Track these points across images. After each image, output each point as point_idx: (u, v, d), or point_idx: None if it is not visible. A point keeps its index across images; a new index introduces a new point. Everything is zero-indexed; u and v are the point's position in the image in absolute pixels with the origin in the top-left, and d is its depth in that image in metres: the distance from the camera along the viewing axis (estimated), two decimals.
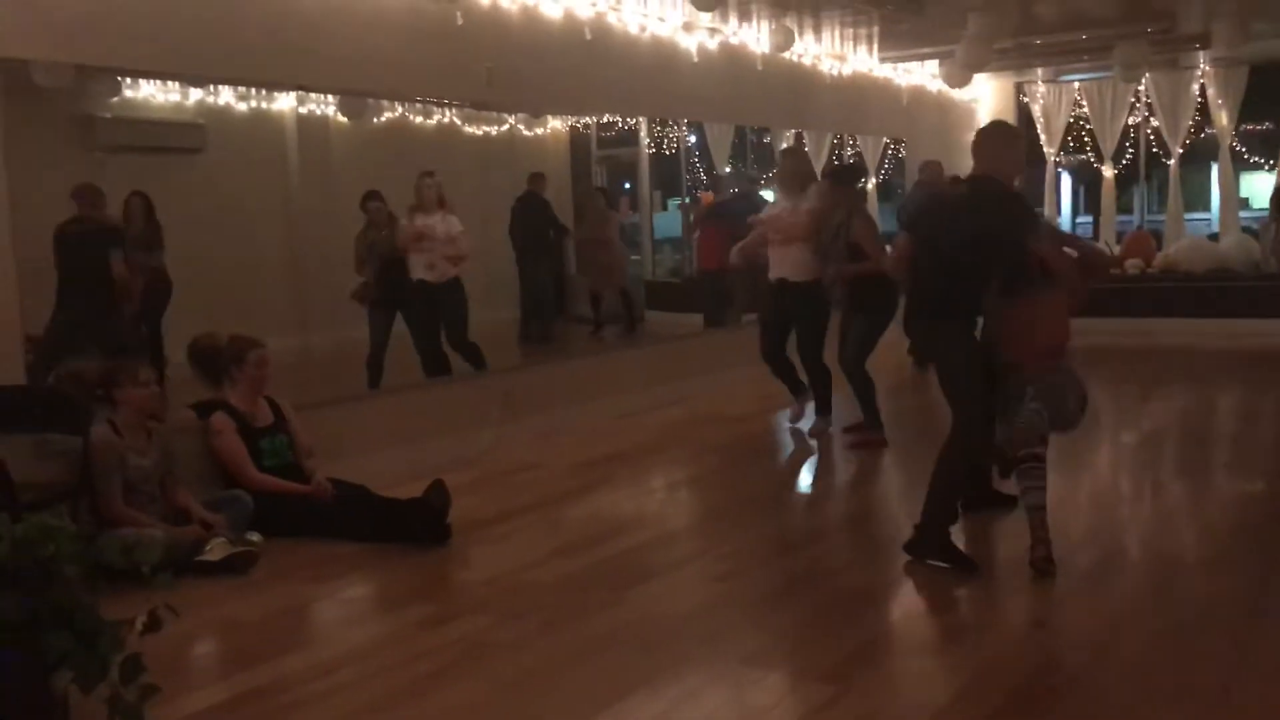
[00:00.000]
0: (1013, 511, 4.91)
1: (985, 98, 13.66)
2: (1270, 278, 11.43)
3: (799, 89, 10.35)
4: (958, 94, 12.89)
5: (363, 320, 8.09)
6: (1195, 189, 15.08)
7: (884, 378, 7.64)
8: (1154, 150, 13.12)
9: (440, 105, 9.55)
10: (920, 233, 4.92)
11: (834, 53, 10.65)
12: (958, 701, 3.37)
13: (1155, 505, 5.85)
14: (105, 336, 6.68)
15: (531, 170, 10.65)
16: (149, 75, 7.00)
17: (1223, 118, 12.45)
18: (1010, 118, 13.65)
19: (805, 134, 12.13)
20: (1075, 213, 19.41)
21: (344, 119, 9.53)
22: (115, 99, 8.19)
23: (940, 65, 11.64)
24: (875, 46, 10.93)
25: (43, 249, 6.43)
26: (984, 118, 13.59)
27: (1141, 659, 3.68)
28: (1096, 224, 13.27)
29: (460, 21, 6.91)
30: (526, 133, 11.51)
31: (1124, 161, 13.30)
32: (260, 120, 9.26)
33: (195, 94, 8.61)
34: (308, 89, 7.84)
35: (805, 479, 6.68)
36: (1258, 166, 13.30)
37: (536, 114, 10.83)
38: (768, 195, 9.99)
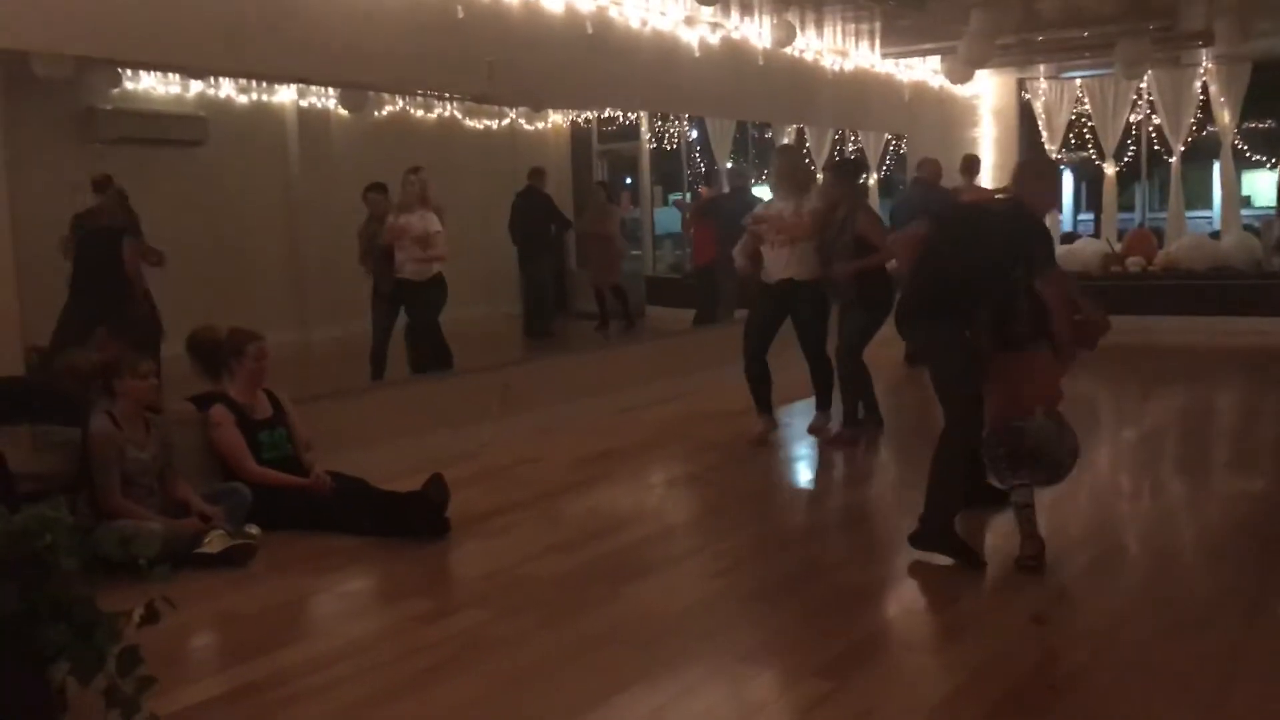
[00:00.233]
0: (1006, 508, 4.90)
1: (987, 94, 13.64)
2: (1271, 276, 11.42)
3: (800, 84, 10.34)
4: (959, 90, 12.88)
5: (363, 313, 8.10)
6: (1197, 187, 15.06)
7: (883, 373, 7.63)
8: (1156, 148, 13.10)
9: (441, 99, 9.54)
10: (949, 231, 4.88)
11: (836, 48, 10.64)
12: (955, 698, 3.37)
13: (1155, 503, 5.85)
14: (121, 325, 6.71)
15: (532, 165, 10.64)
16: (150, 67, 7.00)
17: (1225, 115, 12.43)
18: (1012, 114, 13.67)
19: (806, 130, 12.13)
20: (1077, 210, 19.40)
21: (345, 112, 9.52)
22: (116, 91, 8.18)
23: (942, 61, 11.63)
24: (877, 42, 10.91)
25: (39, 240, 6.43)
26: (986, 114, 13.63)
27: (1140, 656, 3.68)
28: (1098, 221, 13.25)
29: (461, 15, 6.90)
30: (527, 127, 11.50)
31: (1126, 159, 13.28)
32: (261, 113, 9.26)
33: (196, 86, 8.60)
34: (309, 82, 7.83)
35: (803, 475, 6.68)
36: (1260, 164, 13.28)
37: (538, 108, 10.82)
38: (759, 192, 9.96)
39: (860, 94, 11.23)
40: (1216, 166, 13.29)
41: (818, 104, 10.69)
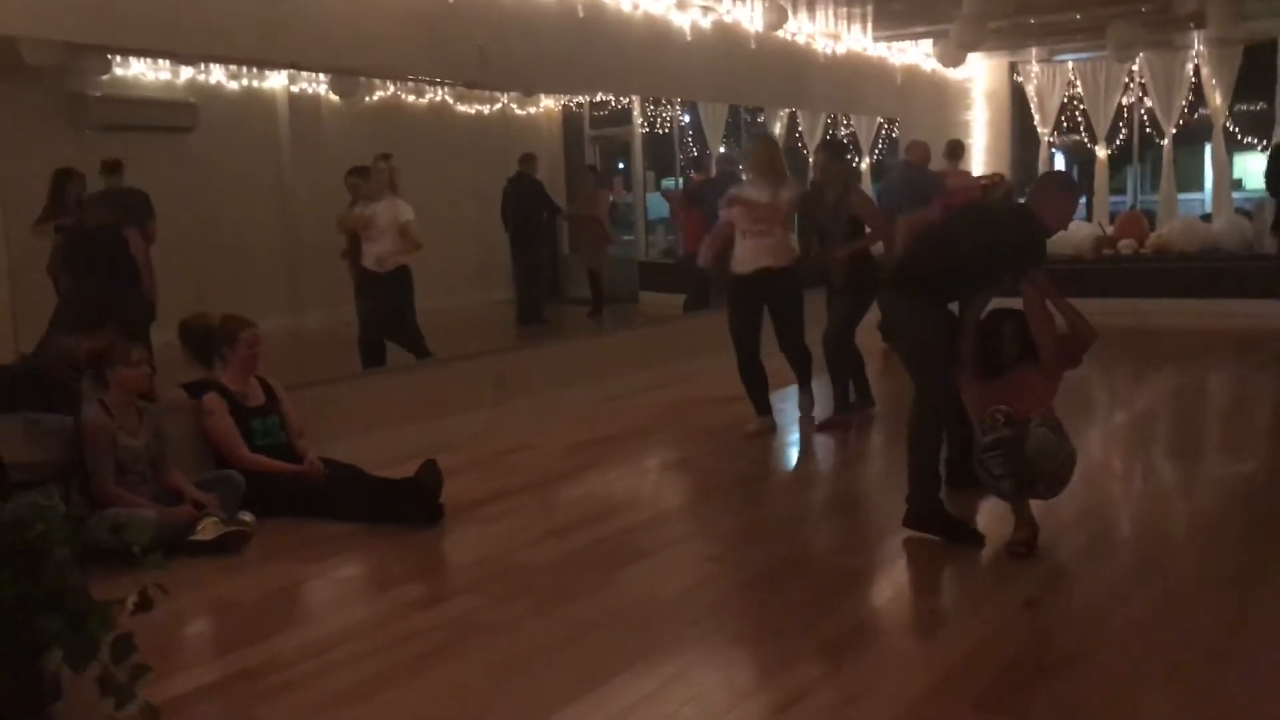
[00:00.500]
0: None
1: (979, 77, 13.64)
2: (1262, 258, 11.44)
3: (793, 68, 10.32)
4: (952, 73, 12.87)
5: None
6: (1188, 169, 15.06)
7: (874, 358, 7.64)
8: (1147, 130, 13.11)
9: (432, 84, 9.50)
10: (961, 227, 4.89)
11: (828, 31, 10.61)
12: (947, 681, 3.39)
13: (1146, 485, 5.88)
14: (124, 309, 6.73)
15: (523, 151, 10.62)
16: (139, 53, 6.96)
17: (1216, 98, 12.44)
18: (1004, 97, 13.66)
19: (799, 114, 12.11)
20: None
21: (336, 98, 9.49)
22: (105, 77, 8.15)
23: (935, 44, 11.61)
24: (869, 25, 10.88)
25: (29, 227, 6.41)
26: (978, 97, 13.62)
27: (1132, 637, 3.70)
28: (1090, 204, 13.26)
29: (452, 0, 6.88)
30: (519, 112, 11.47)
31: (1117, 142, 13.29)
32: (252, 99, 9.23)
33: (186, 72, 8.56)
34: (299, 67, 7.80)
35: (796, 460, 6.69)
36: (1251, 147, 13.28)
37: (529, 93, 10.78)
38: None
39: (853, 77, 11.21)
40: (1208, 149, 13.30)
41: (810, 88, 10.67)
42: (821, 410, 7.10)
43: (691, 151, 12.27)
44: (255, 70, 8.45)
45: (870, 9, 10.36)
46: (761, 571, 4.52)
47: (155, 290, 6.65)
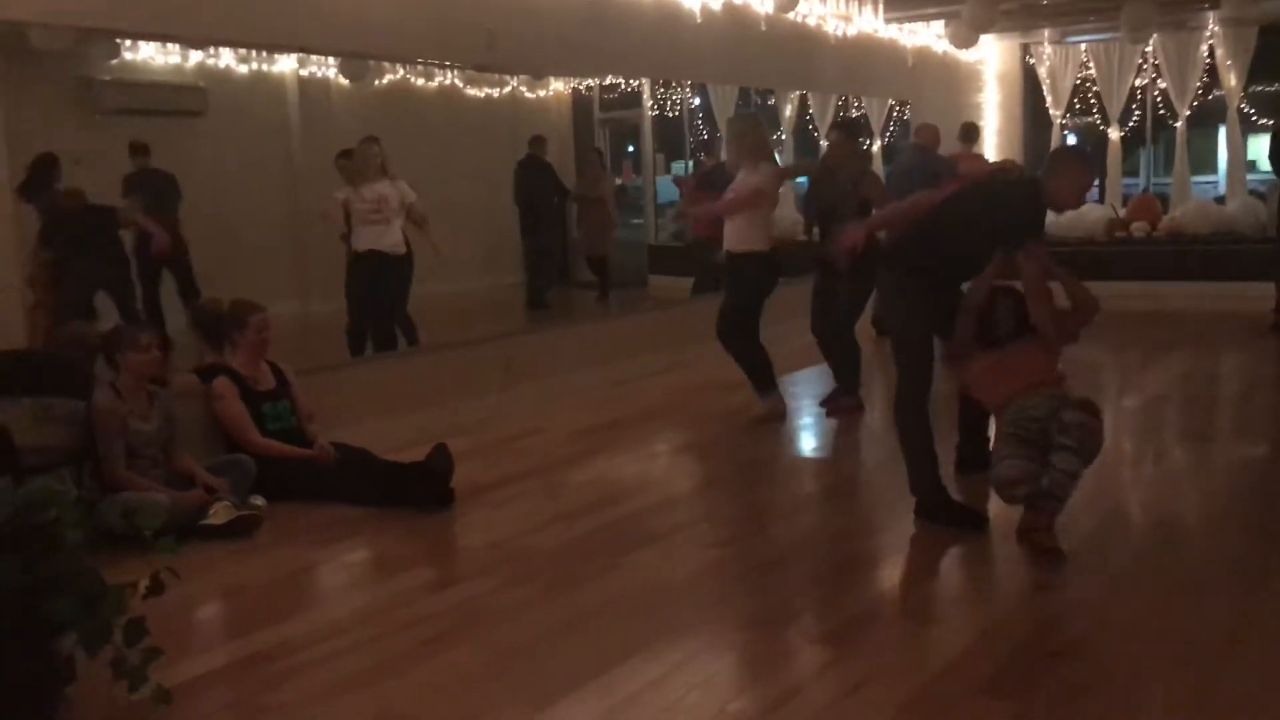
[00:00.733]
0: None
1: (991, 59, 13.54)
2: (1276, 240, 11.37)
3: (803, 50, 10.26)
4: (964, 55, 12.78)
5: None
6: (1202, 151, 14.98)
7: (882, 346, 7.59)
8: (1161, 112, 13.02)
9: (442, 67, 9.49)
10: (962, 208, 4.77)
11: (839, 13, 10.55)
12: (956, 665, 3.39)
13: (1157, 469, 5.86)
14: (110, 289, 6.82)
15: (533, 134, 10.60)
16: (148, 37, 6.96)
17: (1231, 79, 12.33)
18: (1016, 79, 13.57)
19: (809, 96, 12.06)
20: None
21: (345, 81, 9.48)
22: (114, 61, 8.15)
23: (946, 26, 11.53)
24: (880, 7, 10.82)
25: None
26: (990, 79, 13.53)
27: (1143, 622, 3.69)
28: (1102, 187, 13.18)
29: None
30: (529, 95, 11.45)
31: (1130, 124, 13.20)
32: (261, 83, 9.22)
33: (195, 56, 8.56)
34: (309, 51, 7.79)
35: (805, 445, 6.69)
36: (1265, 129, 13.18)
37: (538, 76, 10.76)
38: None
39: (863, 59, 11.15)
40: (1222, 131, 13.20)
41: (821, 70, 10.61)
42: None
43: (702, 134, 12.24)
44: (265, 54, 8.45)
45: None
46: (768, 557, 4.52)
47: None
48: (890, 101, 12.70)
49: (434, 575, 4.47)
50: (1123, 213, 12.37)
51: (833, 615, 3.86)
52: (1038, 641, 3.60)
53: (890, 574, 4.43)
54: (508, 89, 11.02)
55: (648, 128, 12.21)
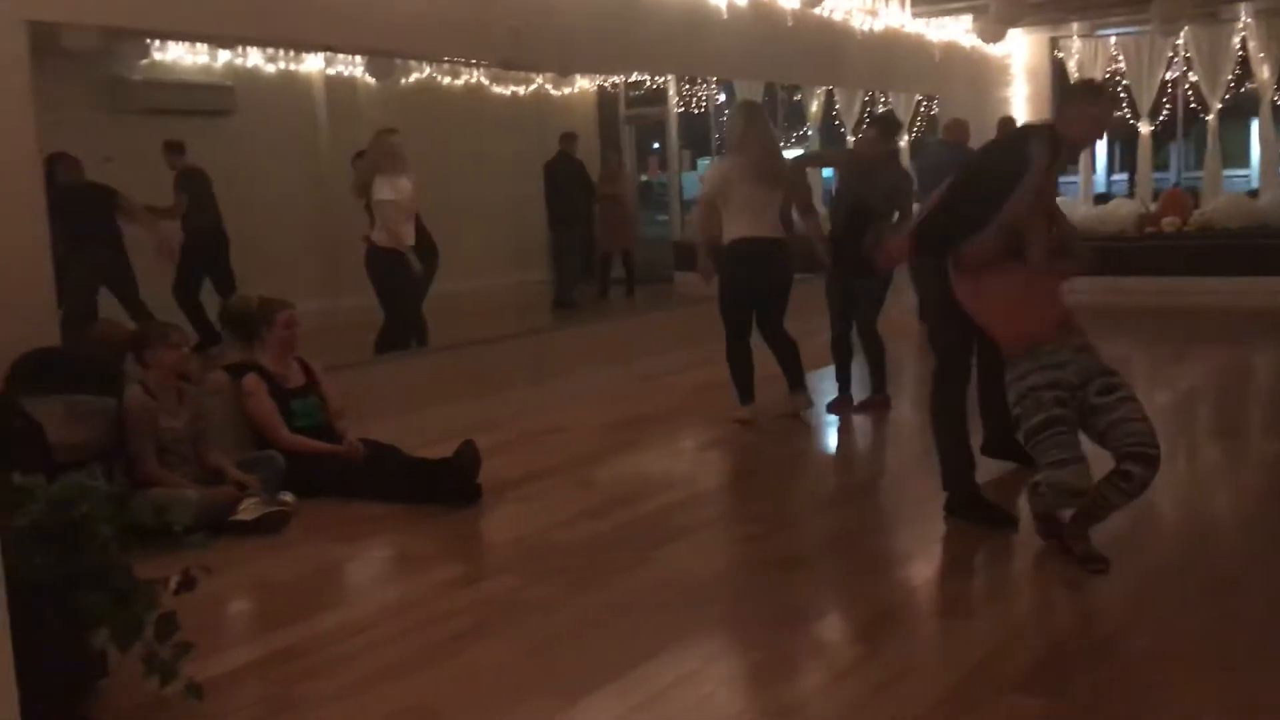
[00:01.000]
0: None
1: (1019, 53, 13.43)
2: None
3: (830, 45, 10.21)
4: (991, 49, 12.68)
5: None
6: (1234, 145, 14.79)
7: (912, 344, 7.54)
8: (1192, 105, 12.87)
9: (468, 65, 9.51)
10: (980, 184, 4.52)
11: (865, 8, 10.49)
12: (987, 664, 3.36)
13: (1189, 466, 5.79)
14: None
15: (563, 130, 10.60)
16: (177, 37, 7.02)
17: (1264, 71, 12.17)
18: (1045, 74, 13.44)
19: (836, 91, 12.00)
20: (1111, 170, 19.12)
21: (372, 80, 9.53)
22: (144, 61, 8.22)
23: (974, 20, 11.44)
24: (907, 1, 10.76)
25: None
26: (1019, 74, 13.42)
27: (1174, 622, 3.65)
28: (1132, 181, 13.06)
29: None
30: (554, 92, 11.46)
31: (1161, 118, 13.05)
32: (289, 82, 9.28)
33: (224, 56, 8.62)
34: (336, 50, 7.83)
35: (833, 442, 6.66)
36: None
37: (564, 73, 10.77)
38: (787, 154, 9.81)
39: (890, 54, 11.08)
40: (1255, 124, 13.04)
41: (847, 65, 10.56)
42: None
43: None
44: (292, 53, 8.50)
45: None
46: (797, 552, 4.50)
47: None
48: (917, 96, 12.62)
49: (462, 570, 4.48)
50: (1153, 208, 12.25)
51: (864, 610, 3.83)
52: (1070, 639, 3.56)
53: (921, 569, 4.40)
54: (534, 86, 11.03)
55: (673, 124, 12.20)
